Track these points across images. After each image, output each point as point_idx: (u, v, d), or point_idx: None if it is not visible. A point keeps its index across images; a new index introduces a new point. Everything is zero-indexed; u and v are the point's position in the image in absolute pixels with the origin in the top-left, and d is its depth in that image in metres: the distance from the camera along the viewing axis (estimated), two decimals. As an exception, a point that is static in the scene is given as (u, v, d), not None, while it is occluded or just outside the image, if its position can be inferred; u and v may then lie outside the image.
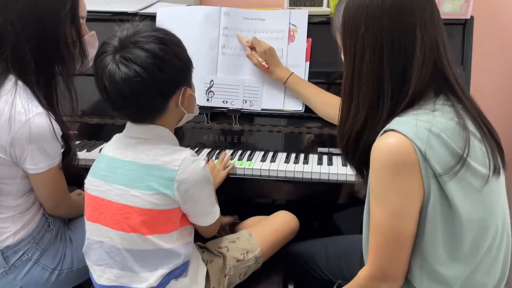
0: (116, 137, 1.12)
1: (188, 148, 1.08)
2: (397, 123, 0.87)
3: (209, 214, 1.11)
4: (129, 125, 1.08)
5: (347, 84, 0.96)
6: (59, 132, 1.15)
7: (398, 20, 0.88)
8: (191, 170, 1.02)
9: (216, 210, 1.13)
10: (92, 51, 1.25)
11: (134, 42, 0.98)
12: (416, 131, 0.84)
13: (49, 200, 1.25)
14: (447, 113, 0.89)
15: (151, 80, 0.97)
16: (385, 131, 0.88)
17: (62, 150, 1.21)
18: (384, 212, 0.88)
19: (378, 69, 0.90)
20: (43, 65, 1.15)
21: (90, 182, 1.09)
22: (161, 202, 1.01)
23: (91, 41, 1.28)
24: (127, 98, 0.99)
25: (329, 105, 1.44)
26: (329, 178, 1.39)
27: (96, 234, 1.07)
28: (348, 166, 1.41)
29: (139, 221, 1.01)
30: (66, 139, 1.21)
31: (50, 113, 1.14)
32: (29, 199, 1.23)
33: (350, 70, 0.94)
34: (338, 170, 1.41)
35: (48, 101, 1.16)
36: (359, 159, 1.00)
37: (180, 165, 1.01)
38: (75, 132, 1.61)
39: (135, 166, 1.03)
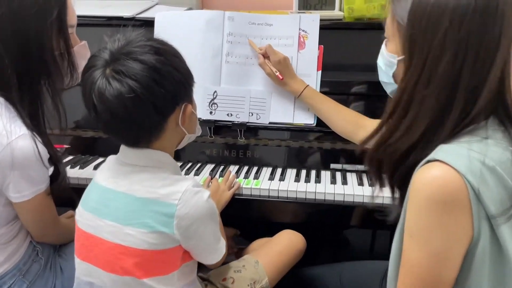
0: (110, 160, 1.00)
1: (190, 176, 0.96)
2: (443, 152, 0.74)
3: (214, 251, 0.99)
4: (123, 148, 0.96)
5: (408, 90, 0.79)
6: (45, 155, 1.03)
7: (492, 20, 0.73)
8: (193, 203, 0.90)
9: (222, 245, 1.01)
10: (82, 63, 1.11)
11: (126, 53, 0.86)
12: (469, 164, 0.71)
13: (36, 229, 1.13)
14: (501, 140, 0.76)
15: (147, 95, 0.85)
16: (429, 161, 0.75)
17: (50, 174, 1.09)
18: (423, 254, 0.75)
19: (456, 76, 0.74)
20: (27, 80, 1.03)
21: (81, 214, 0.97)
22: (158, 242, 0.89)
23: (82, 52, 1.16)
24: (120, 117, 0.87)
25: (348, 122, 1.32)
26: (344, 200, 1.28)
27: (85, 274, 0.95)
28: (365, 185, 1.32)
29: (132, 263, 0.89)
30: (54, 161, 1.09)
31: (35, 134, 1.02)
32: (13, 227, 1.11)
33: (416, 73, 0.77)
34: (354, 190, 1.29)
35: (33, 120, 1.05)
36: (400, 179, 0.84)
37: (181, 199, 0.89)
38: (67, 146, 1.49)
39: (129, 200, 0.91)
